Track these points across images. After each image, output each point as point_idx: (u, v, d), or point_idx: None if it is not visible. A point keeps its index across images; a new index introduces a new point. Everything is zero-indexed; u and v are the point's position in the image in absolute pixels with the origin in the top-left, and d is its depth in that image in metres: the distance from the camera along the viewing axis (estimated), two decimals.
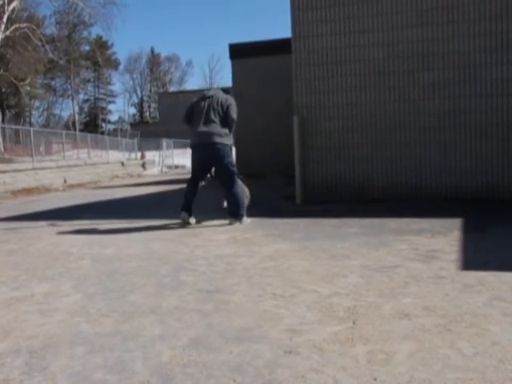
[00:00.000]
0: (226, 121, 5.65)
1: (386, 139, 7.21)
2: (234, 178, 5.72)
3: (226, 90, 6.05)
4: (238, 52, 14.56)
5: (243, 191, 5.91)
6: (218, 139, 5.55)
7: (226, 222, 5.82)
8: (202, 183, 6.00)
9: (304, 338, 2.27)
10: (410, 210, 6.27)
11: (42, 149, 19.45)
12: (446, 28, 6.87)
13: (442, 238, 4.43)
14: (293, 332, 2.34)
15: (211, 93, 5.87)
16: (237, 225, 5.63)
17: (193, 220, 5.85)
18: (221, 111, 5.63)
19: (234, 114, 5.68)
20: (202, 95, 5.94)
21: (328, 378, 1.87)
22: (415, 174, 7.12)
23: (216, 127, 5.57)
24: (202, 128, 5.60)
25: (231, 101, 5.76)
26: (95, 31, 73.49)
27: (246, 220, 5.74)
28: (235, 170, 5.75)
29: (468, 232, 4.69)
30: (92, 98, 67.03)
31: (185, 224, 5.76)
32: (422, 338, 2.20)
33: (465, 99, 6.87)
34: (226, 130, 5.65)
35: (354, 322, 2.43)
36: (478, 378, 1.82)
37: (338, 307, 2.66)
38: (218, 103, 5.66)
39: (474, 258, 3.67)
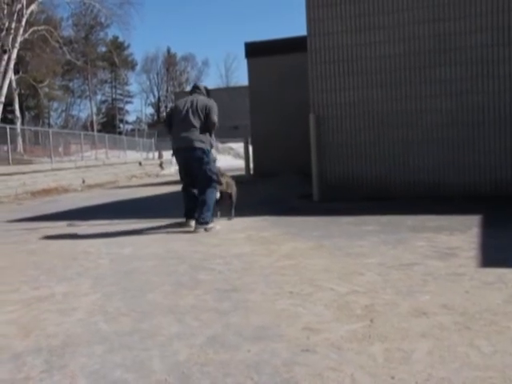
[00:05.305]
0: (206, 125, 5.48)
1: (402, 136, 7.15)
2: (211, 184, 5.51)
3: (207, 92, 5.86)
4: (253, 50, 14.53)
5: (215, 199, 5.63)
6: (198, 144, 5.41)
7: (231, 219, 5.94)
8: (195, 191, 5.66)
9: (321, 336, 2.26)
10: (427, 207, 6.22)
11: (60, 150, 19.63)
12: (459, 23, 6.78)
13: (460, 235, 4.39)
14: (310, 330, 2.34)
15: (191, 97, 5.67)
16: (201, 231, 5.33)
17: (192, 223, 5.56)
18: (202, 116, 5.47)
19: (215, 118, 5.52)
20: (189, 94, 5.81)
21: (345, 377, 1.86)
22: (432, 172, 7.05)
23: (196, 132, 5.43)
24: (183, 133, 5.46)
25: (212, 104, 5.59)
26: (112, 32, 73.71)
27: (215, 227, 5.46)
28: (214, 176, 5.56)
29: (486, 229, 4.64)
30: (109, 98, 67.74)
31: (188, 228, 5.56)
32: (441, 336, 2.18)
33: (483, 95, 6.78)
34: (207, 135, 5.52)
35: (371, 320, 2.42)
36: (498, 377, 1.80)
37: (355, 305, 2.65)
38: (198, 107, 5.49)
39: (493, 255, 3.63)
